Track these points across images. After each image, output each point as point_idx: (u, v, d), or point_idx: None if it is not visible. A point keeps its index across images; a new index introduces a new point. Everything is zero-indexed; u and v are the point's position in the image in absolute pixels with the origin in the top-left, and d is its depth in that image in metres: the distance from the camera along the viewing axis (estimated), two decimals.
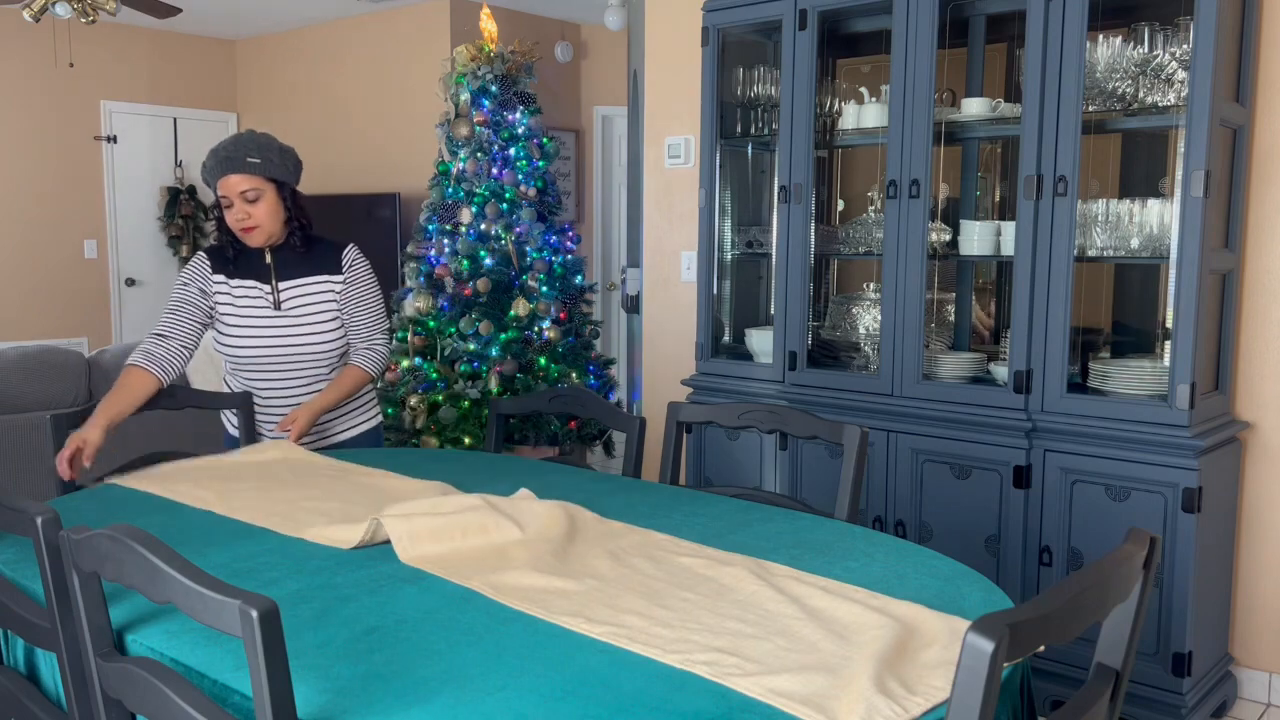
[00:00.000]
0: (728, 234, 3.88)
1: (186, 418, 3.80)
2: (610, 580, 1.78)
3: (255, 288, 2.80)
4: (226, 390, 2.99)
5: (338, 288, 2.85)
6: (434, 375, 5.31)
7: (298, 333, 2.81)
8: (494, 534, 1.98)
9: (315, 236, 2.87)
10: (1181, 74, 2.95)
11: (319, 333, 2.82)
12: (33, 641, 1.73)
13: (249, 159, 2.71)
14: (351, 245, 2.93)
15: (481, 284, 5.32)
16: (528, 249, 5.47)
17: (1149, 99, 3.03)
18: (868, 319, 3.62)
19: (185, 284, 2.82)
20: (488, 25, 5.57)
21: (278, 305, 2.79)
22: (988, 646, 1.11)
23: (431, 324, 5.39)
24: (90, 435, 2.47)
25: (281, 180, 2.76)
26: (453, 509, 2.03)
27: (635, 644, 1.51)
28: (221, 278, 2.80)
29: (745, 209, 3.96)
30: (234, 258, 2.81)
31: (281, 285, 2.81)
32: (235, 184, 2.70)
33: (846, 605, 1.65)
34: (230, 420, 2.97)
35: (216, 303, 2.80)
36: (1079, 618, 1.27)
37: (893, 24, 3.27)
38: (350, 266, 2.88)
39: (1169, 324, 2.95)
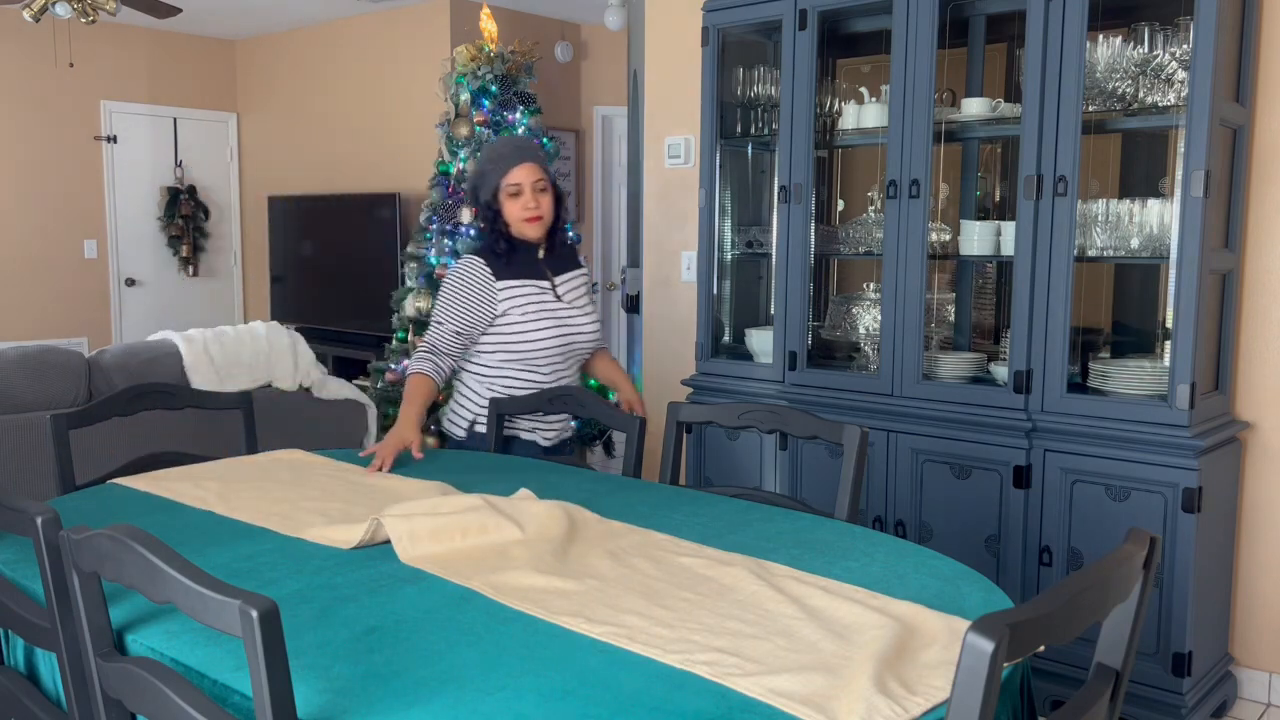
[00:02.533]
0: (728, 234, 3.88)
1: (186, 418, 3.80)
2: (610, 580, 1.78)
3: (534, 284, 2.87)
4: (470, 397, 2.96)
5: (587, 279, 3.05)
6: None
7: (579, 322, 2.93)
8: (494, 534, 1.98)
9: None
10: (1181, 74, 2.95)
11: (592, 320, 2.98)
12: (33, 641, 1.73)
13: (539, 153, 2.90)
14: None
15: None
16: None
17: (1149, 99, 3.03)
18: (868, 319, 3.62)
19: (464, 295, 2.85)
20: (488, 25, 5.57)
21: (559, 298, 2.90)
22: (988, 646, 1.11)
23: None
24: (413, 435, 2.67)
25: (554, 181, 2.93)
26: (453, 509, 2.03)
27: (635, 644, 1.51)
28: (506, 282, 2.84)
29: (745, 209, 3.96)
30: (506, 257, 2.86)
31: (557, 279, 2.92)
32: (531, 173, 2.83)
33: (846, 605, 1.65)
34: (461, 419, 2.97)
35: (506, 309, 2.84)
36: (1079, 618, 1.27)
37: (893, 24, 3.27)
38: (584, 264, 3.09)
39: (1169, 324, 2.95)
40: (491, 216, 2.87)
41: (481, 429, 2.94)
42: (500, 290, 2.83)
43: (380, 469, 2.54)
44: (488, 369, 2.92)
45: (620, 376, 3.13)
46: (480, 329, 2.86)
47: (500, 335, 2.86)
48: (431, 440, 5.27)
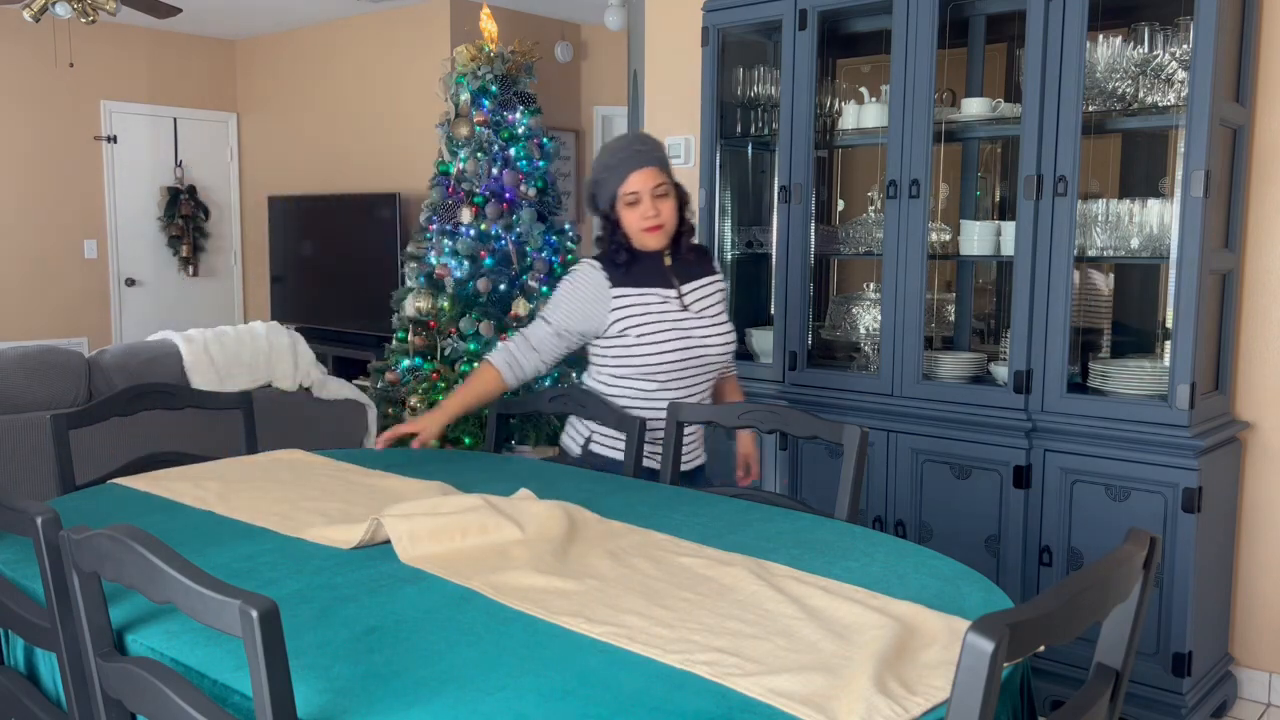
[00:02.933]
0: (728, 234, 3.88)
1: (186, 418, 3.80)
2: (610, 580, 1.78)
3: (656, 293, 2.63)
4: (603, 413, 2.71)
5: (722, 287, 2.78)
6: (434, 375, 5.31)
7: (709, 333, 2.68)
8: (494, 534, 1.98)
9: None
10: (1181, 74, 2.95)
11: (724, 332, 2.72)
12: (33, 641, 1.73)
13: (659, 154, 2.63)
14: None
15: (482, 284, 5.32)
16: (528, 249, 5.47)
17: (1149, 99, 3.03)
18: (868, 319, 3.62)
19: (573, 297, 2.65)
20: (488, 25, 5.57)
21: (685, 308, 2.66)
22: (988, 646, 1.11)
23: (431, 324, 5.39)
24: (430, 427, 2.61)
25: (676, 183, 2.67)
26: (453, 509, 2.03)
27: (635, 644, 1.51)
28: (623, 289, 2.62)
29: (745, 209, 3.96)
30: (627, 268, 2.62)
31: (684, 288, 2.67)
32: (649, 178, 2.58)
33: (846, 605, 1.65)
34: (577, 436, 2.80)
35: (620, 316, 2.61)
36: (1079, 618, 1.27)
37: (893, 24, 3.27)
38: (719, 270, 2.82)
39: (1169, 324, 2.95)
40: (610, 227, 2.64)
41: (599, 449, 2.72)
42: (616, 298, 2.61)
43: (379, 447, 2.59)
44: (607, 384, 2.72)
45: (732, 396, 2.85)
46: (587, 337, 2.66)
47: (619, 347, 2.64)
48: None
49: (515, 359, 2.67)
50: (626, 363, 2.65)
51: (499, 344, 2.69)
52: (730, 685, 1.38)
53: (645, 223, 2.59)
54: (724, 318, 2.74)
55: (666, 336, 2.62)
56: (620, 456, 2.68)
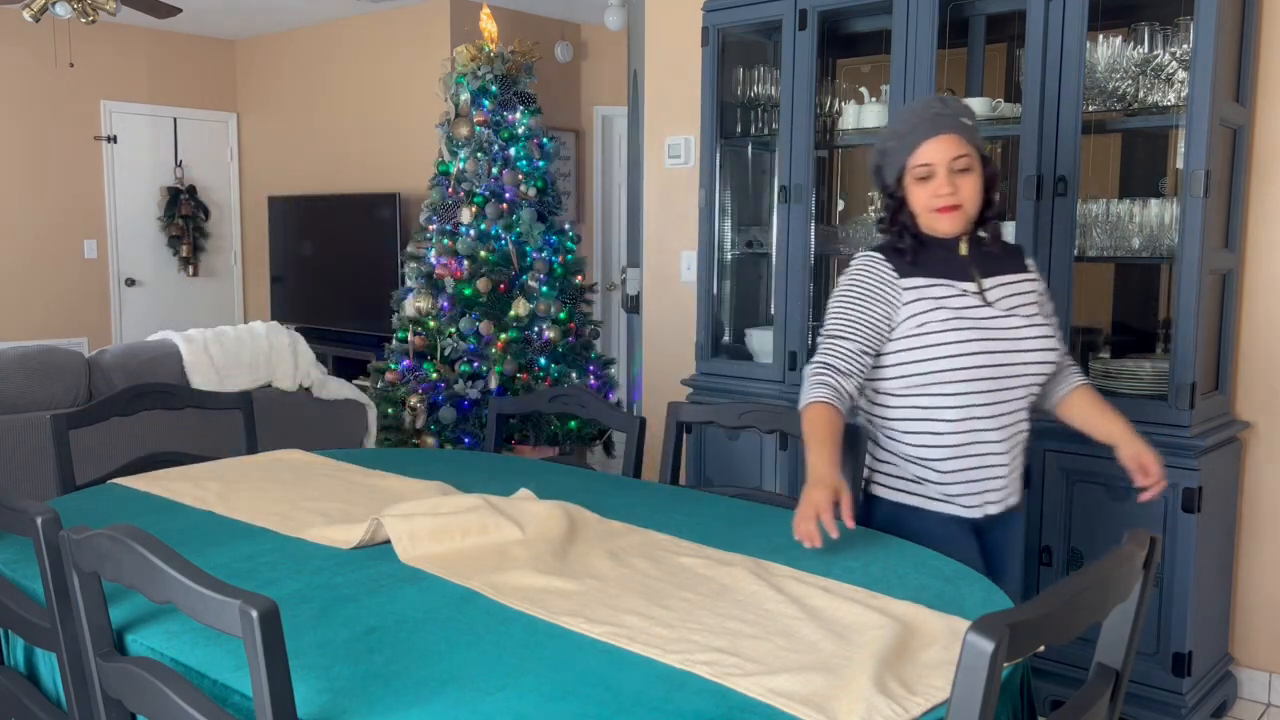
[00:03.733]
0: (728, 234, 3.88)
1: (186, 418, 3.80)
2: (610, 580, 1.78)
3: (952, 285, 2.15)
4: (874, 445, 2.26)
5: (1037, 287, 2.25)
6: (434, 375, 5.31)
7: (1021, 335, 2.15)
8: (494, 534, 1.98)
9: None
10: (1181, 74, 2.95)
11: (1041, 336, 2.17)
12: (33, 641, 1.73)
13: (963, 119, 2.12)
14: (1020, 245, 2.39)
15: (482, 284, 5.32)
16: (528, 249, 5.47)
17: (1149, 99, 3.03)
18: None
19: (860, 298, 2.16)
20: (488, 25, 5.57)
21: (988, 303, 2.16)
22: (988, 646, 1.11)
23: (431, 324, 5.39)
24: (840, 483, 1.94)
25: (985, 155, 2.16)
26: (453, 509, 2.03)
27: (635, 644, 1.51)
28: (913, 281, 2.14)
29: (745, 209, 3.96)
30: (913, 256, 2.16)
31: (985, 282, 2.17)
32: (948, 148, 2.09)
33: (846, 605, 1.65)
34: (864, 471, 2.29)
35: (913, 312, 2.13)
36: (1079, 618, 1.27)
37: (893, 24, 3.27)
38: (1035, 270, 2.29)
39: (1169, 324, 2.95)
40: (894, 206, 2.18)
41: (880, 491, 2.24)
42: (907, 294, 2.14)
43: (810, 541, 1.88)
44: (889, 401, 2.19)
45: (1115, 424, 2.27)
46: (875, 348, 2.15)
47: (903, 351, 2.13)
48: (431, 441, 5.27)
49: (839, 389, 2.10)
50: (911, 371, 2.13)
51: (809, 376, 2.14)
52: (730, 685, 1.38)
53: (937, 201, 2.12)
54: (1039, 319, 2.19)
55: (966, 336, 2.10)
56: (907, 500, 2.20)
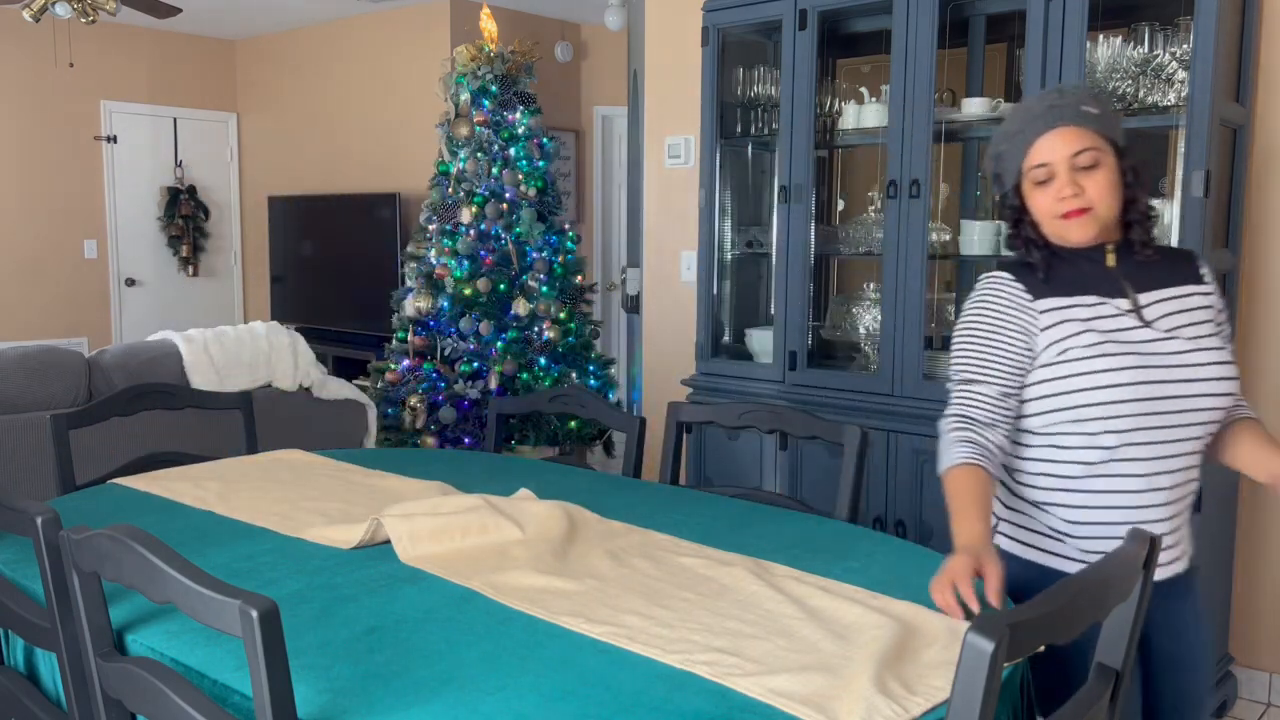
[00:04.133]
0: (728, 234, 3.88)
1: (186, 418, 3.80)
2: (610, 580, 1.78)
3: (1100, 302, 1.81)
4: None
5: (1213, 302, 1.87)
6: (434, 375, 5.31)
7: (1189, 360, 1.78)
8: (494, 534, 1.98)
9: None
10: (1181, 74, 2.95)
11: (1216, 362, 1.79)
12: (33, 641, 1.73)
13: (1084, 107, 1.79)
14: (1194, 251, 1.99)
15: (482, 284, 5.32)
16: (528, 249, 5.47)
17: (1149, 99, 3.03)
18: (868, 319, 3.62)
19: (993, 330, 1.84)
20: (488, 25, 5.57)
21: (1146, 323, 1.80)
22: (988, 646, 1.11)
23: (431, 324, 5.39)
24: (989, 554, 1.63)
25: (1121, 146, 1.83)
26: (453, 509, 2.03)
27: (635, 644, 1.51)
28: (1050, 301, 1.82)
29: (745, 209, 3.96)
30: (1046, 272, 1.84)
31: (1141, 297, 1.82)
32: (1066, 142, 1.77)
33: (846, 605, 1.65)
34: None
35: (1054, 339, 1.80)
36: (1079, 618, 1.27)
37: (893, 24, 3.27)
38: (1211, 279, 1.90)
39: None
40: (1015, 217, 1.88)
41: (1008, 545, 1.90)
42: (1043, 313, 1.82)
43: (952, 612, 1.59)
44: (1025, 439, 1.87)
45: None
46: (1018, 382, 1.83)
47: (1042, 383, 1.81)
48: (431, 441, 5.27)
49: (984, 446, 1.78)
50: (1056, 405, 1.80)
51: (946, 432, 1.83)
52: (730, 685, 1.38)
53: (1060, 206, 1.79)
54: (1215, 341, 1.82)
55: (1119, 363, 1.76)
56: (1041, 559, 1.86)
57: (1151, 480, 1.79)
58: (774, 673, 1.41)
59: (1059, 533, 1.84)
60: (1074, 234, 1.81)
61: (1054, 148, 1.78)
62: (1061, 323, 1.80)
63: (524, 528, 2.00)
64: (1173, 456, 1.79)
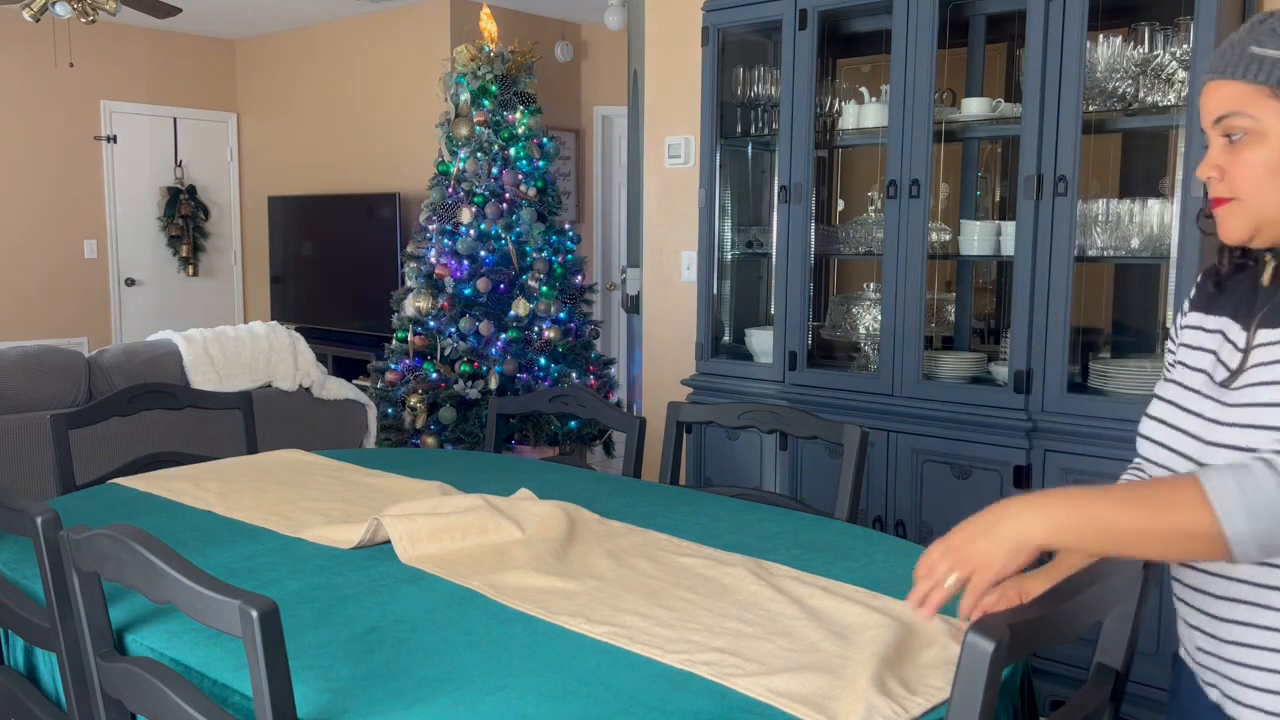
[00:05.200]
0: (728, 234, 3.88)
1: (186, 418, 3.80)
2: (610, 580, 1.78)
3: (1220, 335, 1.35)
4: None
5: None
6: (434, 375, 5.31)
7: (1233, 440, 1.25)
8: (494, 534, 1.98)
9: None
10: (1181, 74, 2.95)
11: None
12: (33, 641, 1.72)
13: (1253, 48, 1.24)
14: None
15: (481, 284, 5.32)
16: (528, 249, 5.47)
17: (1149, 99, 3.03)
18: (868, 319, 3.62)
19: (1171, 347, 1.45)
20: (488, 25, 5.57)
21: (1226, 383, 1.30)
22: (988, 646, 1.10)
23: (431, 324, 5.39)
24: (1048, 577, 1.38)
25: None
26: (453, 509, 2.03)
27: (635, 644, 1.51)
28: (1197, 318, 1.41)
29: (745, 209, 3.96)
30: (1218, 277, 1.40)
31: (1262, 338, 1.27)
32: (1215, 101, 1.28)
33: (847, 605, 1.65)
34: None
35: (1167, 364, 1.45)
36: (1079, 618, 1.27)
37: (893, 24, 3.27)
38: None
39: (1169, 324, 2.95)
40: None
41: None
42: (1184, 329, 1.43)
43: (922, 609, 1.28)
44: None
45: None
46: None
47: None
48: (431, 441, 5.27)
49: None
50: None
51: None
52: (730, 685, 1.38)
53: (1212, 192, 1.32)
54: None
55: (1168, 437, 1.36)
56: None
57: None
58: (774, 673, 1.41)
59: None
60: (1220, 230, 1.32)
61: (1205, 107, 1.30)
62: (1184, 347, 1.40)
63: (524, 527, 2.00)
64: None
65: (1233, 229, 1.30)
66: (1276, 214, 1.26)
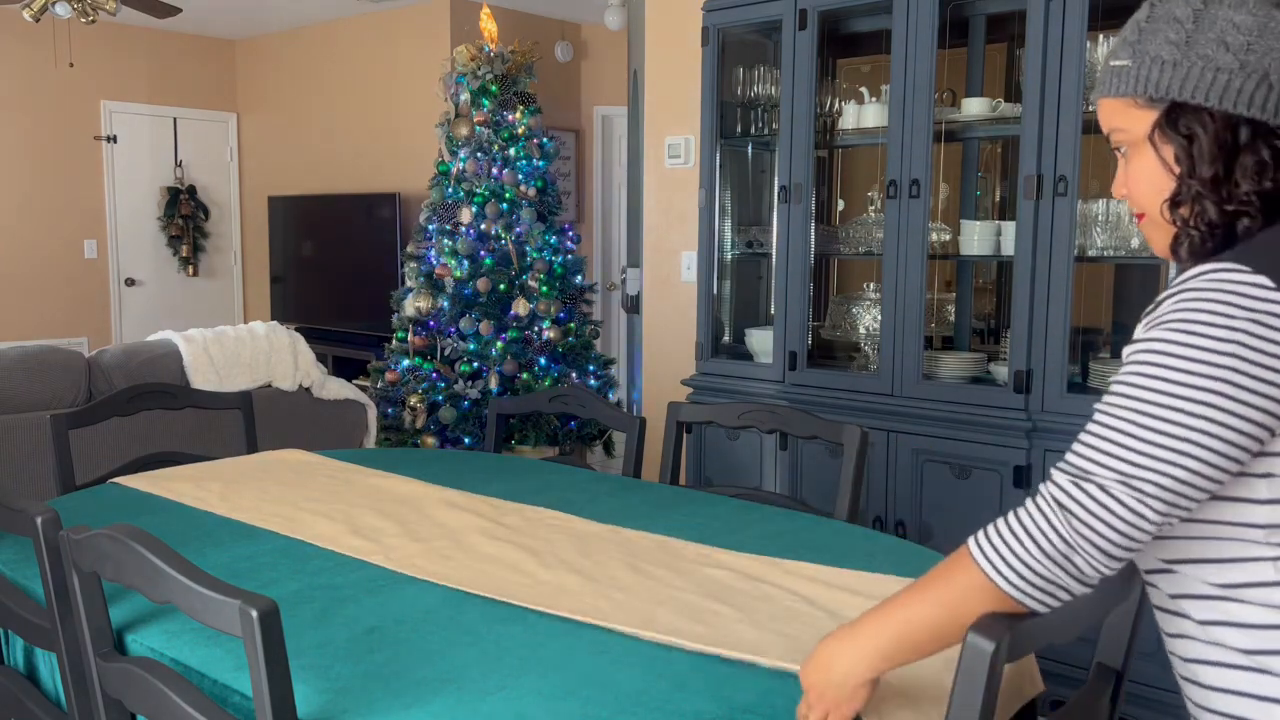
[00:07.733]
0: (728, 234, 3.88)
1: (186, 418, 3.80)
2: (611, 581, 1.78)
3: None
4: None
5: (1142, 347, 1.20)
6: (434, 375, 5.31)
7: None
8: (504, 551, 1.98)
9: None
10: None
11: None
12: (33, 641, 1.72)
13: (1113, 62, 1.25)
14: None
15: (481, 284, 5.32)
16: (528, 249, 5.47)
17: None
18: (868, 319, 3.62)
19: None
20: (488, 25, 5.57)
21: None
22: (988, 646, 1.10)
23: (431, 324, 5.39)
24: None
25: (1182, 102, 1.17)
26: (472, 553, 2.02)
27: (634, 643, 1.50)
28: None
29: (745, 209, 3.96)
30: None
31: (1138, 333, 1.22)
32: (1101, 119, 1.26)
33: (848, 597, 1.65)
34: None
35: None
36: (1079, 618, 1.27)
37: (893, 24, 3.27)
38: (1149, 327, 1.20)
39: None
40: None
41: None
42: None
43: None
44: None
45: None
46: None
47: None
48: (431, 441, 5.27)
49: None
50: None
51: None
52: (733, 679, 1.38)
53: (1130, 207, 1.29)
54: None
55: None
56: None
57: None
58: (782, 660, 1.41)
59: None
60: (1151, 247, 1.27)
61: (1101, 118, 1.27)
62: None
63: (535, 547, 2.00)
64: None
65: (1157, 243, 1.24)
66: (1165, 221, 1.20)
